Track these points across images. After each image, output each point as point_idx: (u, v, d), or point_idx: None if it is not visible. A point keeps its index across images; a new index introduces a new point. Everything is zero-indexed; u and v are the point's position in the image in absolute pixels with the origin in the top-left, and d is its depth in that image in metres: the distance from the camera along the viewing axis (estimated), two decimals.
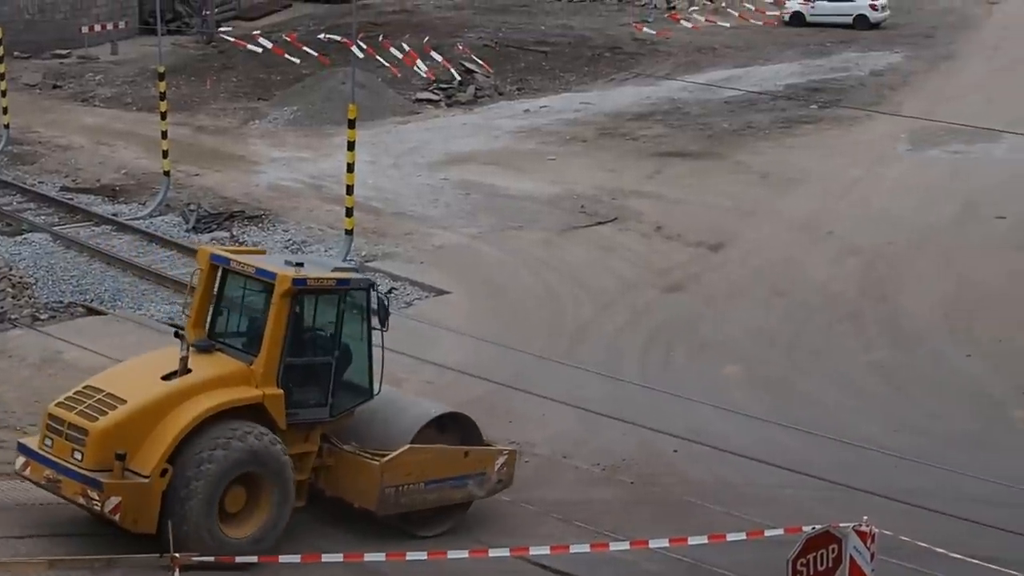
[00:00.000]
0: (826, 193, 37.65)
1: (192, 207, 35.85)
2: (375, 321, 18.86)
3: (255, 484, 17.80)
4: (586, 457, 22.26)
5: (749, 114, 46.38)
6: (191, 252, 32.76)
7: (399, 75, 44.16)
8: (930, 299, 30.09)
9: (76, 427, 17.31)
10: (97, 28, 55.05)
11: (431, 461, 19.12)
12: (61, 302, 29.35)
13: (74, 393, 17.92)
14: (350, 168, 31.91)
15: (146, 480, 17.05)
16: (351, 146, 31.89)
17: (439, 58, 50.24)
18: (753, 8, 58.64)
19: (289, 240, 33.62)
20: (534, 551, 17.64)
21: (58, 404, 17.84)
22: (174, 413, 17.34)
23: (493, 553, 17.04)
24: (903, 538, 17.15)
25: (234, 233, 34.16)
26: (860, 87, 50.95)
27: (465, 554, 16.75)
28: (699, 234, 34.03)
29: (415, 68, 48.34)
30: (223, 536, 17.47)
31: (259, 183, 38.60)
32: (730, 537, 17.00)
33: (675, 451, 22.99)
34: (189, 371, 17.81)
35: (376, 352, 18.84)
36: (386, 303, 19.11)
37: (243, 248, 20.28)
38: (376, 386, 18.98)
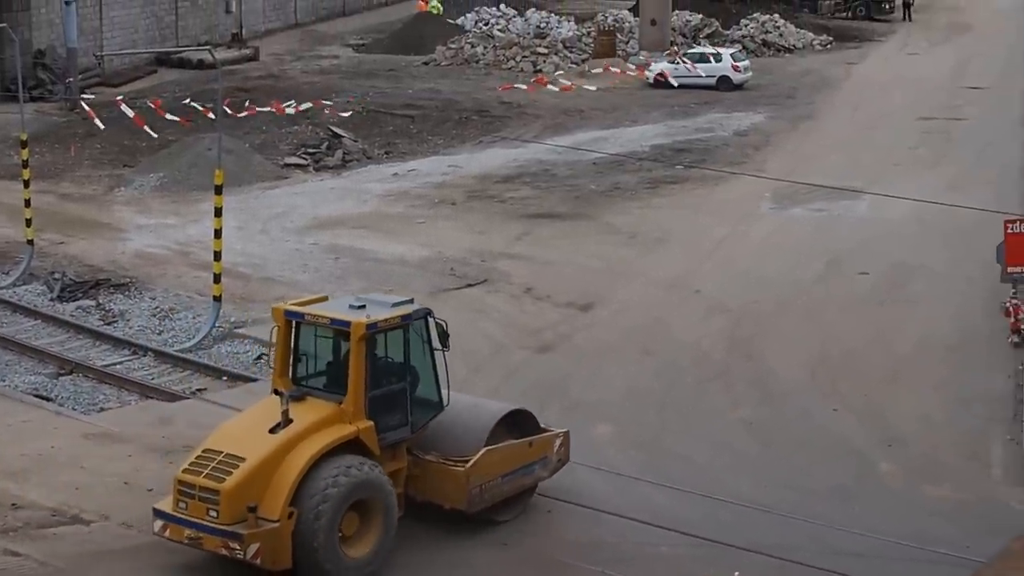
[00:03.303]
0: (693, 252, 38.07)
1: (57, 276, 35.36)
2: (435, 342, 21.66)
3: (364, 507, 20.28)
4: (459, 519, 22.18)
5: (616, 175, 46.80)
6: (56, 321, 32.42)
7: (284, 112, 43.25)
8: (796, 356, 30.49)
9: (207, 489, 19.58)
10: None
11: (504, 457, 21.93)
12: None
13: (196, 458, 20.13)
14: (217, 234, 31.71)
15: (277, 524, 19.50)
16: (218, 212, 31.70)
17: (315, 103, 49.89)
18: (618, 71, 59.17)
19: (156, 307, 33.27)
20: None
21: (185, 471, 19.99)
22: (287, 461, 19.79)
23: None
24: None
25: (100, 301, 33.75)
26: (724, 147, 51.66)
27: None
28: (569, 295, 34.20)
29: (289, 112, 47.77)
30: (345, 558, 20.00)
31: (125, 250, 38.18)
32: None
33: (549, 511, 23.00)
34: (291, 421, 20.14)
35: (440, 368, 21.58)
36: (445, 327, 21.60)
37: (307, 299, 22.36)
38: (445, 398, 21.72)
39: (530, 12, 78.24)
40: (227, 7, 74.61)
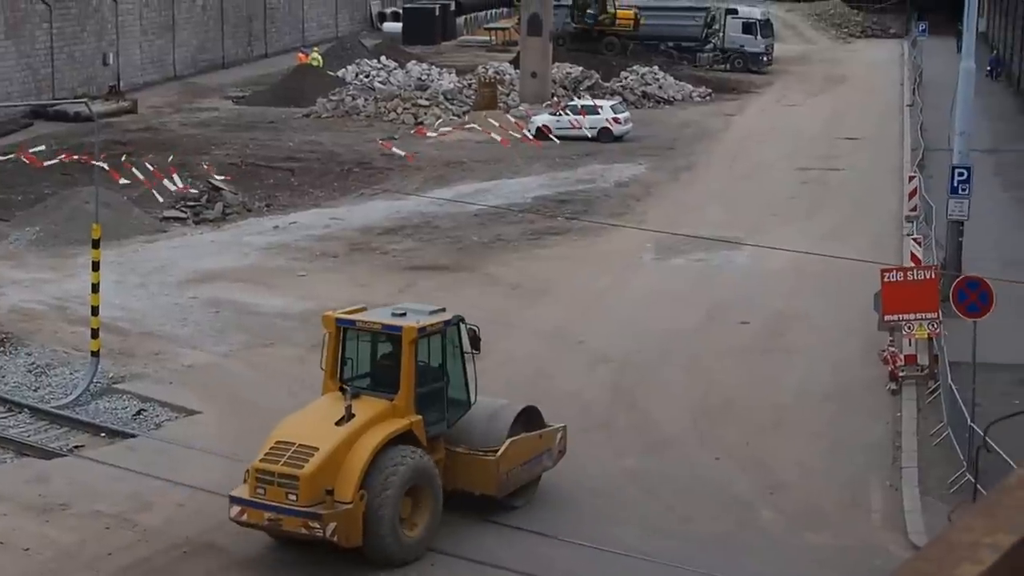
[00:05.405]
0: (575, 303, 38.19)
1: None
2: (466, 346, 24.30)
3: (416, 493, 22.61)
4: (338, 571, 21.98)
5: (499, 227, 46.90)
6: None
7: (151, 188, 43.06)
8: (678, 405, 30.64)
9: (286, 475, 21.74)
10: None
11: (523, 447, 24.49)
12: None
13: (270, 449, 22.20)
14: (95, 288, 31.31)
15: (350, 505, 21.73)
16: (96, 266, 31.30)
17: (188, 167, 49.64)
18: (497, 124, 59.39)
19: (33, 363, 32.72)
20: None
21: (262, 460, 22.06)
22: (354, 449, 22.12)
23: None
24: None
25: None
26: (606, 198, 51.99)
27: None
28: None
29: (165, 183, 47.57)
30: (406, 537, 22.30)
31: (0, 306, 37.50)
32: None
33: (432, 564, 22.86)
34: (353, 415, 22.45)
35: (469, 369, 24.21)
36: (477, 332, 24.45)
37: (349, 309, 24.61)
38: (474, 396, 24.36)
39: (411, 64, 78.46)
40: (104, 59, 74.03)
